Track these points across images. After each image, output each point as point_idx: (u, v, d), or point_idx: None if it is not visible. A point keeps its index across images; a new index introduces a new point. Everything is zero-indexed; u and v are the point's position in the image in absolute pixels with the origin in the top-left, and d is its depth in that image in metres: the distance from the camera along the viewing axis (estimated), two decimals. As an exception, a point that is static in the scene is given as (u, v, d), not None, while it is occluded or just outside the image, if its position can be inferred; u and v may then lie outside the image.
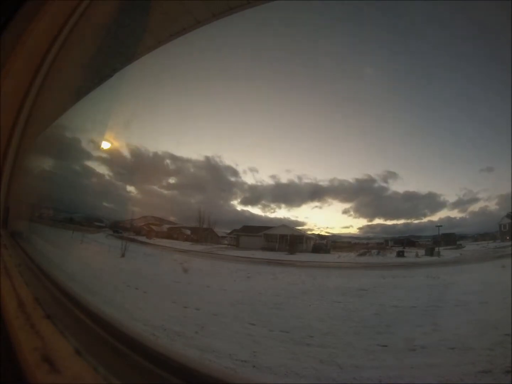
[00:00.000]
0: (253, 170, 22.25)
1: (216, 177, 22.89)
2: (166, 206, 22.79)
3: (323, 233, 19.51)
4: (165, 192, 23.13)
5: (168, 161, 22.97)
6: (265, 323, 5.41)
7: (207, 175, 23.21)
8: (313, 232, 19.50)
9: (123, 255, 12.40)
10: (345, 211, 21.24)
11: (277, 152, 28.47)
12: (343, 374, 3.57)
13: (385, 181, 20.15)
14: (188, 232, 20.60)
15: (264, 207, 23.24)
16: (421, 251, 15.23)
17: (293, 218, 24.04)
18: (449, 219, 16.74)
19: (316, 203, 22.17)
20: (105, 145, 12.15)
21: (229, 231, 20.84)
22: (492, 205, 14.72)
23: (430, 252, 14.93)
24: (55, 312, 1.04)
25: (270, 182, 22.32)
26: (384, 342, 4.46)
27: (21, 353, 0.80)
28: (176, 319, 5.25)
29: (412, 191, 18.70)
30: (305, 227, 20.03)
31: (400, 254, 15.49)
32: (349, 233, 19.57)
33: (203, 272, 11.20)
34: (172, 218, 21.94)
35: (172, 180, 23.46)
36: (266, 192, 22.03)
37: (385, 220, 19.74)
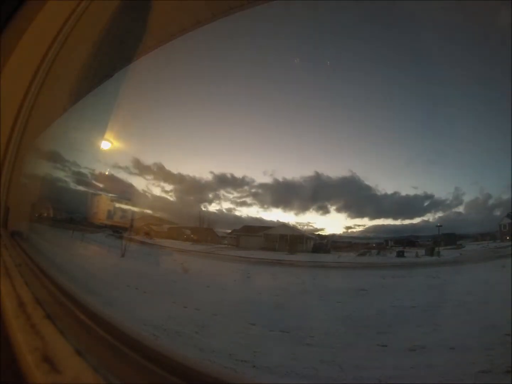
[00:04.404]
0: (254, 170, 22.26)
1: (216, 177, 22.91)
2: (166, 206, 22.81)
3: (323, 233, 19.51)
4: (165, 192, 23.15)
5: (168, 161, 22.99)
6: (265, 323, 5.41)
7: (208, 175, 23.22)
8: (313, 232, 19.50)
9: (123, 255, 12.39)
10: (345, 211, 21.22)
11: (279, 152, 28.44)
12: (343, 374, 3.57)
13: (385, 181, 20.15)
14: (188, 232, 20.59)
15: (264, 207, 23.22)
16: (421, 251, 15.20)
17: (293, 218, 24.04)
18: (449, 219, 16.71)
19: (316, 203, 22.17)
20: (105, 145, 12.15)
21: (229, 231, 20.84)
22: (492, 205, 14.70)
23: (430, 252, 14.91)
24: (55, 312, 1.05)
25: (271, 182, 22.32)
26: (384, 342, 4.46)
27: (21, 353, 0.80)
28: (176, 319, 5.25)
29: (412, 190, 18.67)
30: (305, 227, 20.03)
31: (400, 254, 15.47)
32: (349, 232, 19.56)
33: (203, 272, 11.19)
34: (172, 218, 21.94)
35: (172, 180, 23.46)
36: (267, 193, 22.05)
37: (385, 220, 19.71)
